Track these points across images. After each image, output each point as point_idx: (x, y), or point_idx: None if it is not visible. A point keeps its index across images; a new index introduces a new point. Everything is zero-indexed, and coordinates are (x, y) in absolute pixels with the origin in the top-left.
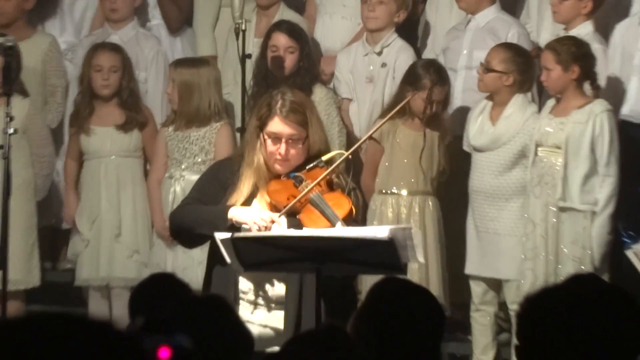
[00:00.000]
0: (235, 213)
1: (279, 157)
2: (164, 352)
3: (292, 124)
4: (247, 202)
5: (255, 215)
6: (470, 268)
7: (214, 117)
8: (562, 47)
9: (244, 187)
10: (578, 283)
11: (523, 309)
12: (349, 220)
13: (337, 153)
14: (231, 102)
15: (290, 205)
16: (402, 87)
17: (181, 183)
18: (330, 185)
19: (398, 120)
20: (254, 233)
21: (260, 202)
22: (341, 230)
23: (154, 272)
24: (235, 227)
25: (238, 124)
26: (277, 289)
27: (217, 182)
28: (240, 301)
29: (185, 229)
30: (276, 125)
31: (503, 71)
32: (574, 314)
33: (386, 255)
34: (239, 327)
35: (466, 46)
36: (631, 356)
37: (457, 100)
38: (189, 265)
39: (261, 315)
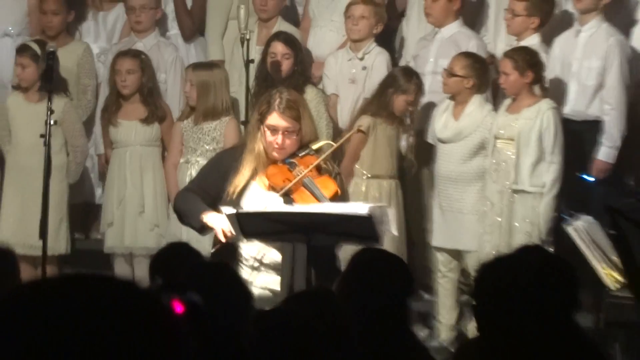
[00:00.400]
0: (208, 218)
1: (276, 146)
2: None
3: (287, 119)
4: (248, 183)
5: (223, 223)
6: (436, 241)
7: (224, 112)
8: (518, 56)
9: (246, 170)
10: (525, 252)
11: (479, 275)
12: (335, 200)
13: (326, 143)
14: (237, 99)
15: (288, 186)
16: (383, 89)
17: (195, 167)
18: (320, 170)
19: (378, 117)
20: (255, 209)
21: (259, 183)
22: (327, 207)
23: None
24: (205, 228)
25: (242, 118)
26: (274, 256)
27: (220, 169)
28: (244, 267)
29: (177, 213)
30: (274, 119)
31: (464, 75)
32: (521, 278)
33: (366, 228)
34: (242, 288)
35: (433, 55)
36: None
37: (424, 100)
38: (201, 238)
39: (261, 279)
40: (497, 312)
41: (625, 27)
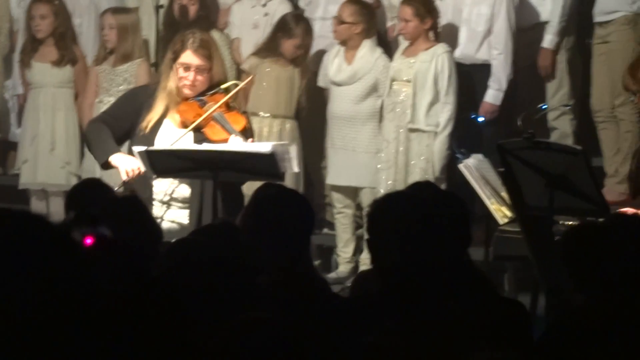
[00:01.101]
0: (114, 158)
1: (188, 82)
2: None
3: (200, 57)
4: (161, 120)
5: (126, 163)
6: (331, 179)
7: (135, 55)
8: (418, 3)
9: (158, 107)
10: (417, 189)
11: (372, 210)
12: (247, 133)
13: (233, 83)
14: (148, 40)
15: (198, 121)
16: (274, 33)
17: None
18: (228, 107)
19: (268, 58)
20: (165, 147)
21: (172, 120)
22: (232, 146)
23: (85, 177)
24: (107, 165)
25: (152, 60)
26: (183, 191)
27: (134, 103)
28: (154, 202)
29: (86, 141)
30: (188, 57)
31: (353, 22)
32: (412, 213)
33: (269, 165)
34: (150, 221)
35: (323, 0)
36: (461, 249)
37: (314, 43)
38: (113, 172)
39: (170, 213)
40: (389, 246)
41: None
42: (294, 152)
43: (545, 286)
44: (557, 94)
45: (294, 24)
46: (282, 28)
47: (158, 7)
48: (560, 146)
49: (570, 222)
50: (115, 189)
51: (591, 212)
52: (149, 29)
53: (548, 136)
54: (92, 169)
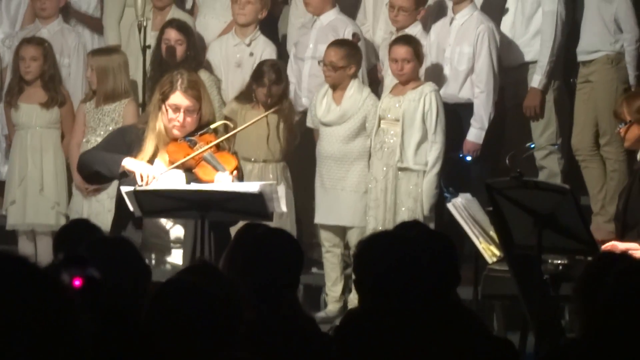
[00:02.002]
0: (127, 162)
1: (177, 123)
2: (77, 281)
3: (190, 97)
4: (150, 160)
5: (142, 168)
6: (319, 218)
7: (123, 95)
8: (415, 44)
9: (148, 147)
10: (403, 228)
11: (358, 250)
12: (238, 173)
13: (222, 123)
14: (135, 81)
15: (185, 159)
16: (250, 80)
17: None
18: (218, 147)
19: (248, 105)
20: (153, 187)
21: (161, 159)
22: (221, 186)
23: (73, 218)
24: (125, 174)
25: (140, 101)
26: (177, 232)
27: (123, 140)
28: (147, 243)
29: (87, 165)
30: (177, 98)
31: (345, 65)
32: (398, 253)
33: (257, 205)
34: (140, 261)
35: (312, 41)
36: (449, 288)
37: (304, 83)
38: (101, 212)
39: (161, 254)
40: (376, 287)
41: (497, 16)
42: (281, 191)
43: (534, 325)
44: (544, 133)
45: (264, 73)
46: (254, 76)
47: (145, 48)
48: (548, 185)
49: (559, 261)
50: (133, 189)
51: (580, 250)
52: (136, 69)
53: (536, 175)
54: (79, 209)
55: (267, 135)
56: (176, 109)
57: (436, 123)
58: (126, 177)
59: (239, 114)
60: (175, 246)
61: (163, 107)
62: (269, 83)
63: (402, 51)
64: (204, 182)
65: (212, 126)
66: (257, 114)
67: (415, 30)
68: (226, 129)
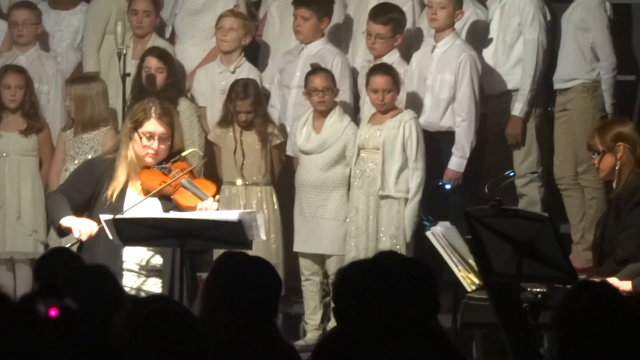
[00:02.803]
0: (65, 221)
1: (151, 151)
2: (53, 312)
3: (164, 125)
4: (123, 188)
5: (79, 224)
6: (298, 246)
7: (102, 123)
8: (394, 73)
9: (120, 175)
10: (381, 257)
11: (337, 279)
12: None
13: (193, 150)
14: (115, 109)
15: (162, 186)
16: (226, 100)
17: None
18: (193, 174)
19: (228, 128)
20: (133, 215)
21: (133, 188)
22: (199, 214)
23: (53, 246)
24: (63, 232)
25: (119, 128)
26: (154, 260)
27: (92, 172)
28: (124, 271)
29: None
30: (152, 125)
31: (332, 88)
32: (377, 281)
33: (236, 233)
34: (118, 291)
35: (299, 69)
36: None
37: (290, 111)
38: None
39: (138, 282)
40: (354, 315)
41: (479, 44)
42: (260, 220)
43: (513, 353)
44: (525, 161)
45: (232, 90)
46: (227, 96)
47: (125, 76)
48: (528, 213)
49: (538, 289)
50: (68, 245)
51: (559, 279)
52: (116, 97)
53: (517, 203)
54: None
55: (250, 159)
56: (150, 136)
57: (416, 150)
58: (65, 235)
59: (221, 138)
60: (152, 274)
61: (135, 135)
62: (235, 97)
63: (382, 81)
64: (185, 208)
65: (184, 153)
66: (234, 137)
67: (392, 58)
68: (197, 155)
